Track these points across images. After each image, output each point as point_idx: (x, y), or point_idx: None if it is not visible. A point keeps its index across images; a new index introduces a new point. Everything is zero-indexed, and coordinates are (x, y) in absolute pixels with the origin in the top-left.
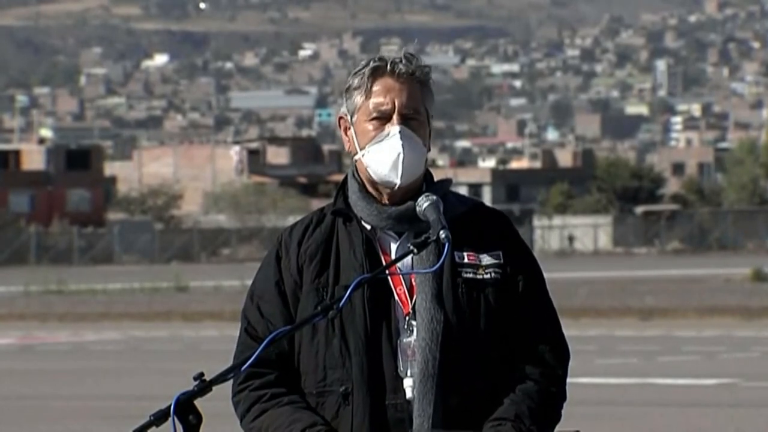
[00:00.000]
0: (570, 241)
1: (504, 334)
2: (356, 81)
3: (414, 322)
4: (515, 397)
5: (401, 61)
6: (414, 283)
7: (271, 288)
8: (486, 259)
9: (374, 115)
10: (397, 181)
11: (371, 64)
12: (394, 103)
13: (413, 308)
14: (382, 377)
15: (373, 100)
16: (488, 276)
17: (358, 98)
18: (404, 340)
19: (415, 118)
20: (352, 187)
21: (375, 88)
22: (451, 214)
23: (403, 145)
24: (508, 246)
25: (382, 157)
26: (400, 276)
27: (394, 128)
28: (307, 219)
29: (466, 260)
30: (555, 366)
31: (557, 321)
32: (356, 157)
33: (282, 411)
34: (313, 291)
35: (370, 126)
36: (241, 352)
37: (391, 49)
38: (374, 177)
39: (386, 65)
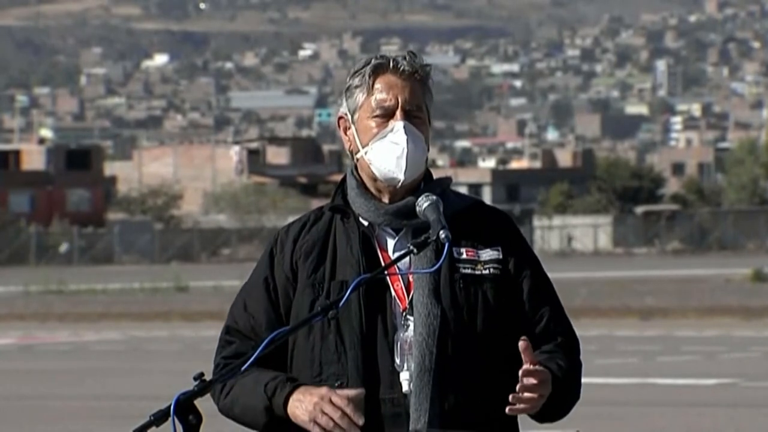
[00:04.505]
0: (568, 241)
1: (503, 330)
2: (357, 80)
3: (411, 318)
4: (546, 348)
5: (404, 59)
6: (411, 279)
7: (259, 284)
8: (485, 255)
9: (377, 112)
10: (401, 177)
11: (373, 61)
12: (397, 100)
13: (410, 304)
14: (378, 372)
15: (376, 97)
16: (487, 272)
17: (359, 96)
18: (401, 335)
19: (418, 115)
20: (351, 184)
21: (377, 85)
22: (451, 211)
23: (407, 140)
24: (508, 242)
25: (386, 153)
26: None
27: (398, 123)
28: (305, 217)
29: (464, 256)
30: (572, 351)
31: (564, 314)
32: (358, 156)
33: (248, 378)
34: (309, 287)
35: (372, 123)
36: (222, 347)
37: (391, 50)
38: (377, 174)
39: (389, 63)
